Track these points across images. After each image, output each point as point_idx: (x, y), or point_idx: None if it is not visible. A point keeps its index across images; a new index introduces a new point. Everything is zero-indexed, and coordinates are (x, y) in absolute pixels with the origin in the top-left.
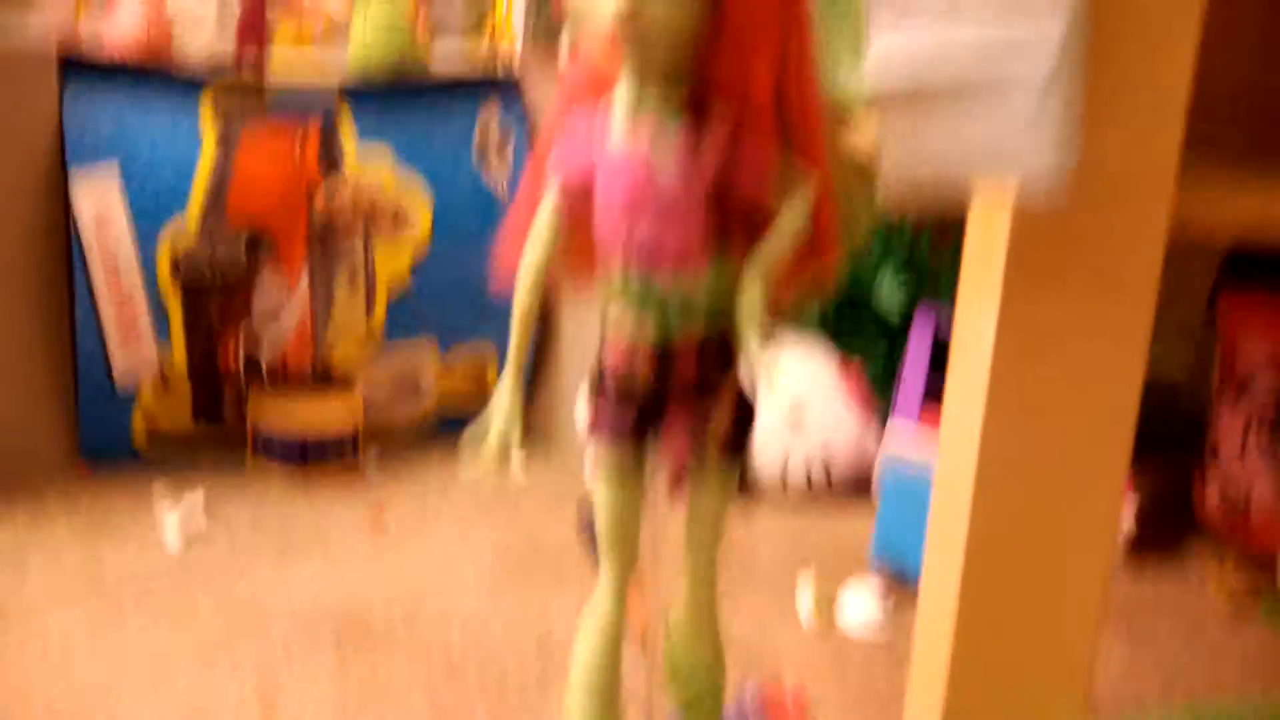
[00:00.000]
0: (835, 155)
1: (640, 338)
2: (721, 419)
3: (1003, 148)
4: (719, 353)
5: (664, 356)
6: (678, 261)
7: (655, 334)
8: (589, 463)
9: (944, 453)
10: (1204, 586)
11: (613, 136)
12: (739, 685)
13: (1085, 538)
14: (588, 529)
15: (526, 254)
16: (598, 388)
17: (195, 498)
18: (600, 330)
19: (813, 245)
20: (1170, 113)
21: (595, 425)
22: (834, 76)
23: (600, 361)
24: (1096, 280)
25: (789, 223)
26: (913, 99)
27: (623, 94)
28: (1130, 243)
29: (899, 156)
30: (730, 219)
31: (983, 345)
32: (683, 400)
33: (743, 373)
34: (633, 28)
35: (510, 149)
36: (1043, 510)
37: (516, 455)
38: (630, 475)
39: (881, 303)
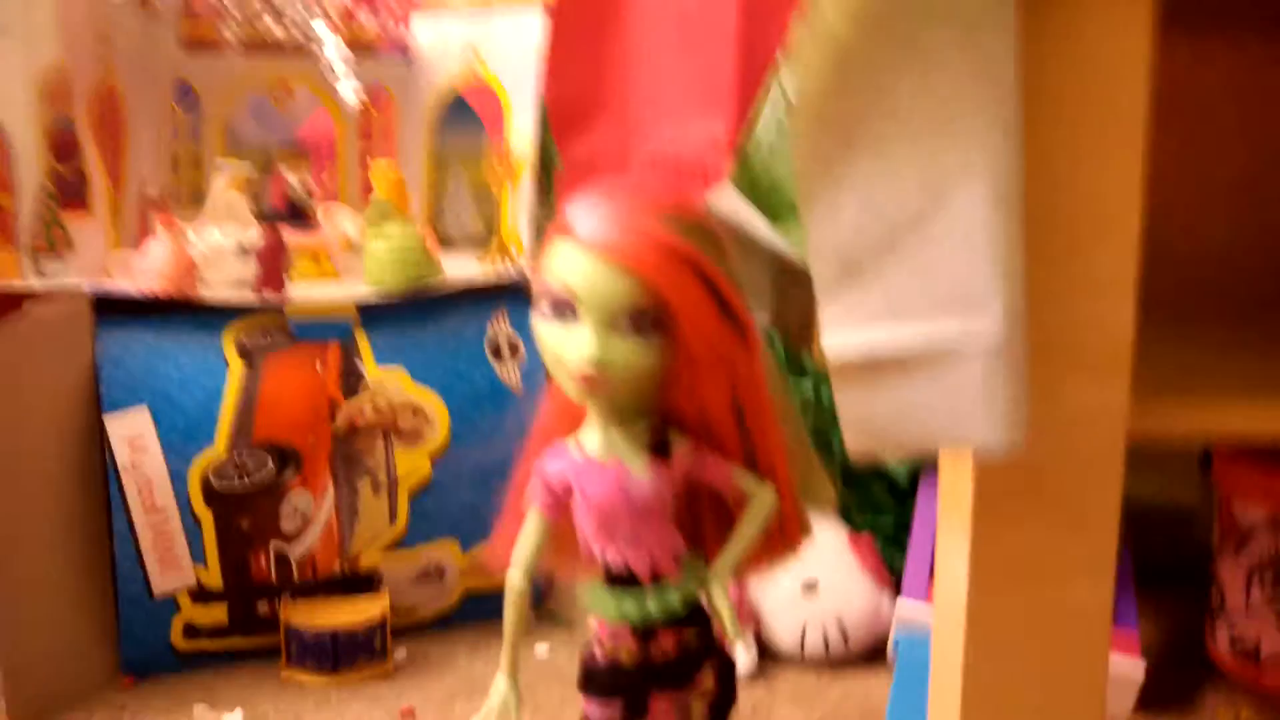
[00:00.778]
0: (791, 444)
1: (622, 620)
2: (703, 702)
3: (953, 420)
4: (697, 634)
5: (645, 635)
6: (655, 556)
7: (637, 617)
8: None
9: (936, 656)
10: None
11: (586, 465)
12: None
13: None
14: None
15: (515, 559)
16: (584, 682)
17: (233, 716)
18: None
19: (780, 534)
20: (1117, 354)
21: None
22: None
23: (585, 658)
24: (1060, 509)
25: (751, 527)
26: (865, 373)
27: (591, 435)
28: (1088, 471)
29: (856, 427)
30: (700, 511)
31: (959, 575)
32: (665, 685)
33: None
34: (599, 378)
35: (522, 352)
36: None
37: None
38: None
39: (886, 468)
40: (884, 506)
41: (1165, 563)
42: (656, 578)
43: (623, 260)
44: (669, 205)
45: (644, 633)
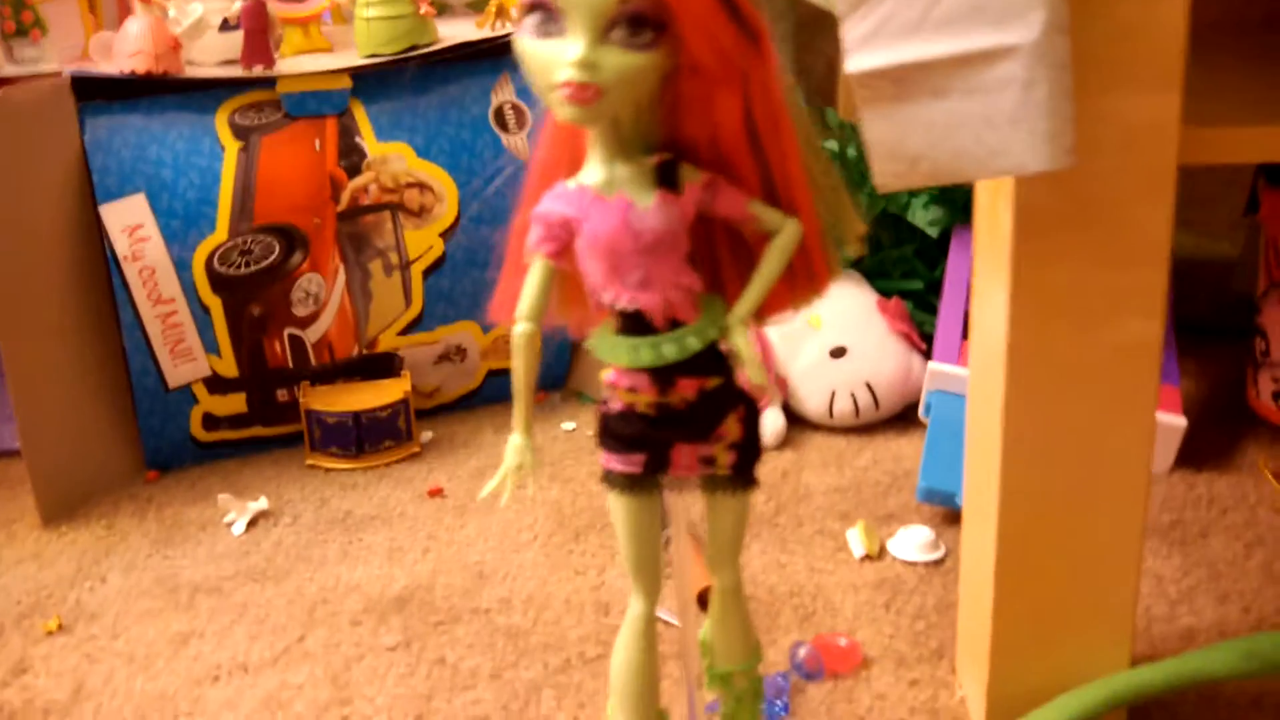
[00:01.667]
0: (818, 176)
1: (638, 366)
2: (729, 453)
3: (992, 141)
4: (719, 382)
5: (663, 383)
6: (668, 297)
7: (653, 361)
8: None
9: (973, 402)
10: (1260, 485)
11: (588, 202)
12: (792, 647)
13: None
14: None
15: (520, 310)
16: (602, 434)
17: (258, 503)
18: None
19: (806, 273)
20: (1169, 63)
21: (605, 474)
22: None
23: (601, 411)
24: (1107, 240)
25: (773, 265)
26: (896, 90)
27: (593, 170)
28: (1138, 197)
29: (886, 155)
30: (718, 251)
31: (998, 317)
32: (687, 435)
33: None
34: (589, 85)
35: (529, 118)
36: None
37: (530, 483)
38: (646, 510)
39: (916, 222)
40: (913, 269)
41: (1205, 318)
42: (672, 321)
43: None
44: None
45: (662, 380)
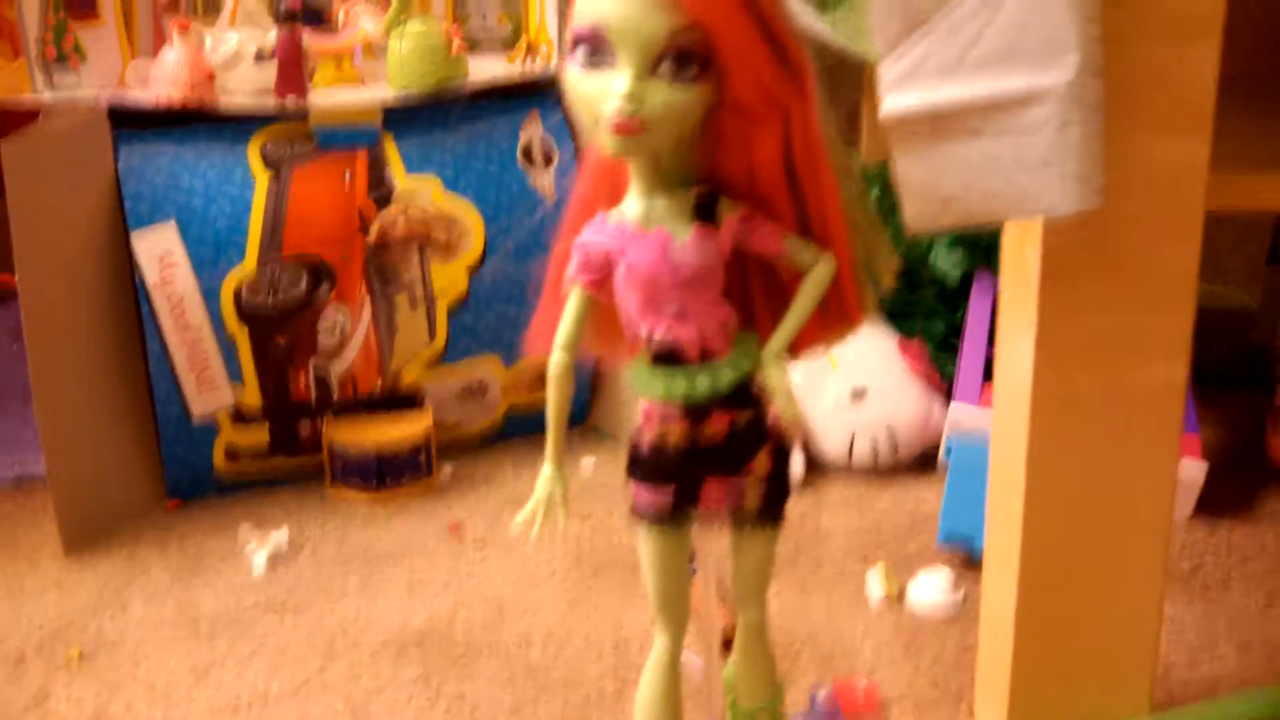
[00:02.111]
0: (852, 213)
1: (670, 399)
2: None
3: (1021, 187)
4: (750, 417)
5: (695, 416)
6: (703, 330)
7: (686, 394)
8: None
9: (996, 445)
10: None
11: (628, 234)
12: (811, 690)
13: (1142, 506)
14: None
15: (557, 341)
16: (632, 466)
17: (280, 535)
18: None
19: (839, 310)
20: (1199, 109)
21: (634, 507)
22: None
23: (632, 442)
24: (1133, 283)
25: (807, 300)
26: (930, 131)
27: (633, 203)
28: (1165, 240)
29: (918, 195)
30: (752, 287)
31: (1023, 359)
32: (718, 469)
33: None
34: (635, 120)
35: (556, 156)
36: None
37: (561, 515)
38: (674, 544)
39: (937, 270)
40: (934, 311)
41: (1224, 368)
42: (706, 355)
43: None
44: None
45: (694, 413)
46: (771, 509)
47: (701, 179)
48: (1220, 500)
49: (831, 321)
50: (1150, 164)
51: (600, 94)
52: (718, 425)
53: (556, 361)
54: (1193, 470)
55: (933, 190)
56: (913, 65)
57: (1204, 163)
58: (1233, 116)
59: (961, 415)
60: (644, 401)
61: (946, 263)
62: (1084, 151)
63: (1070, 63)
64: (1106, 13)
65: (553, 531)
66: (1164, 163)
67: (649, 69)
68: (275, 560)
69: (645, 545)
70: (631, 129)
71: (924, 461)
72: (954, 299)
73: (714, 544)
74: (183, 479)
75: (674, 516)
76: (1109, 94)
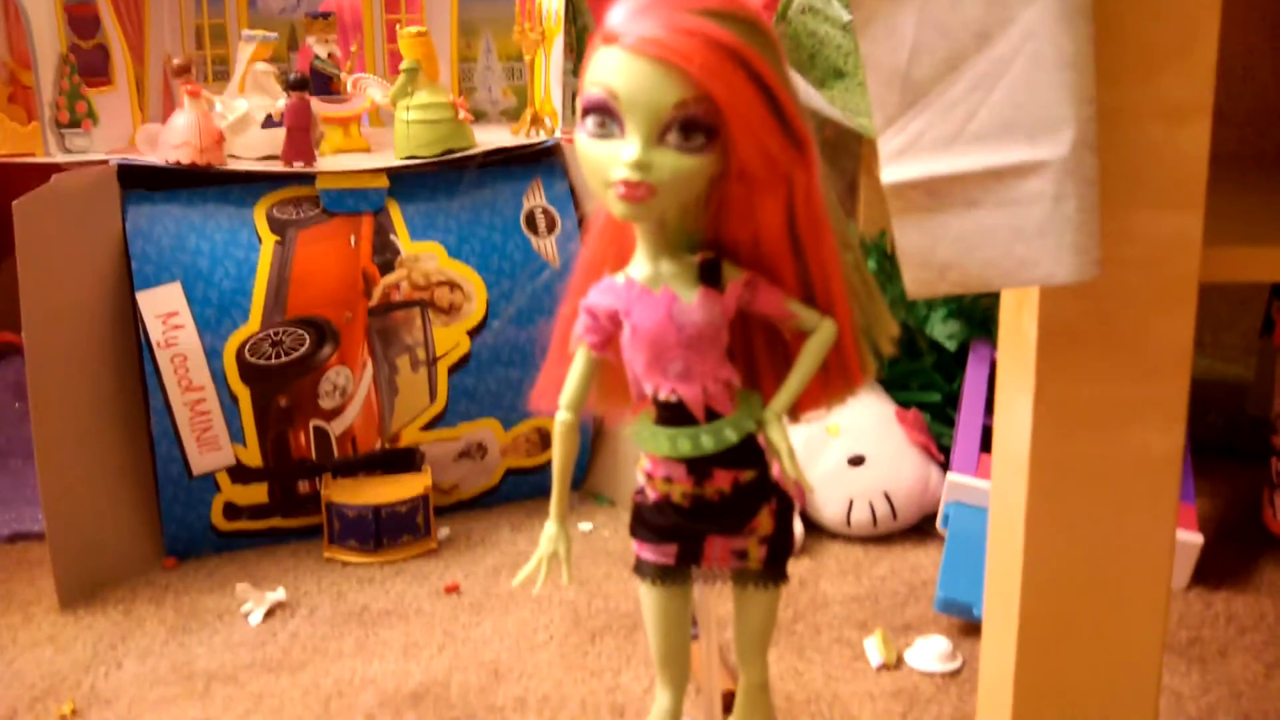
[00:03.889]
0: (853, 278)
1: (675, 456)
2: (760, 547)
3: (1019, 257)
4: (754, 476)
5: (699, 474)
6: (708, 389)
7: (691, 452)
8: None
9: (994, 512)
10: (1279, 605)
11: (635, 295)
12: None
13: (1139, 574)
14: None
15: (563, 399)
16: (636, 524)
17: (277, 594)
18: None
19: (840, 372)
20: (1192, 184)
21: (638, 563)
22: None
23: (636, 500)
24: (1129, 350)
25: (809, 361)
26: (927, 214)
27: (639, 265)
28: (1160, 309)
29: (917, 262)
30: (756, 348)
31: (1021, 425)
32: (721, 527)
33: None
34: (643, 184)
35: (559, 223)
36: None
37: (564, 572)
38: (676, 602)
39: (935, 336)
40: (931, 382)
41: (1220, 440)
42: (710, 413)
43: (667, 55)
44: (718, 1)
45: (698, 471)
46: (774, 568)
47: (706, 243)
48: (1218, 571)
49: (833, 383)
50: (1146, 237)
51: (610, 160)
52: (721, 483)
53: (562, 420)
54: (1189, 541)
55: (931, 258)
56: (911, 139)
57: (1198, 236)
58: (1226, 193)
59: (959, 484)
60: (647, 459)
61: (943, 333)
62: (1080, 224)
63: (1065, 138)
64: (1101, 93)
65: (555, 588)
66: (1159, 236)
67: (657, 137)
68: (272, 619)
69: (647, 602)
70: (639, 195)
71: (921, 528)
72: (950, 369)
73: (715, 605)
74: (180, 536)
75: (676, 574)
76: (1105, 170)
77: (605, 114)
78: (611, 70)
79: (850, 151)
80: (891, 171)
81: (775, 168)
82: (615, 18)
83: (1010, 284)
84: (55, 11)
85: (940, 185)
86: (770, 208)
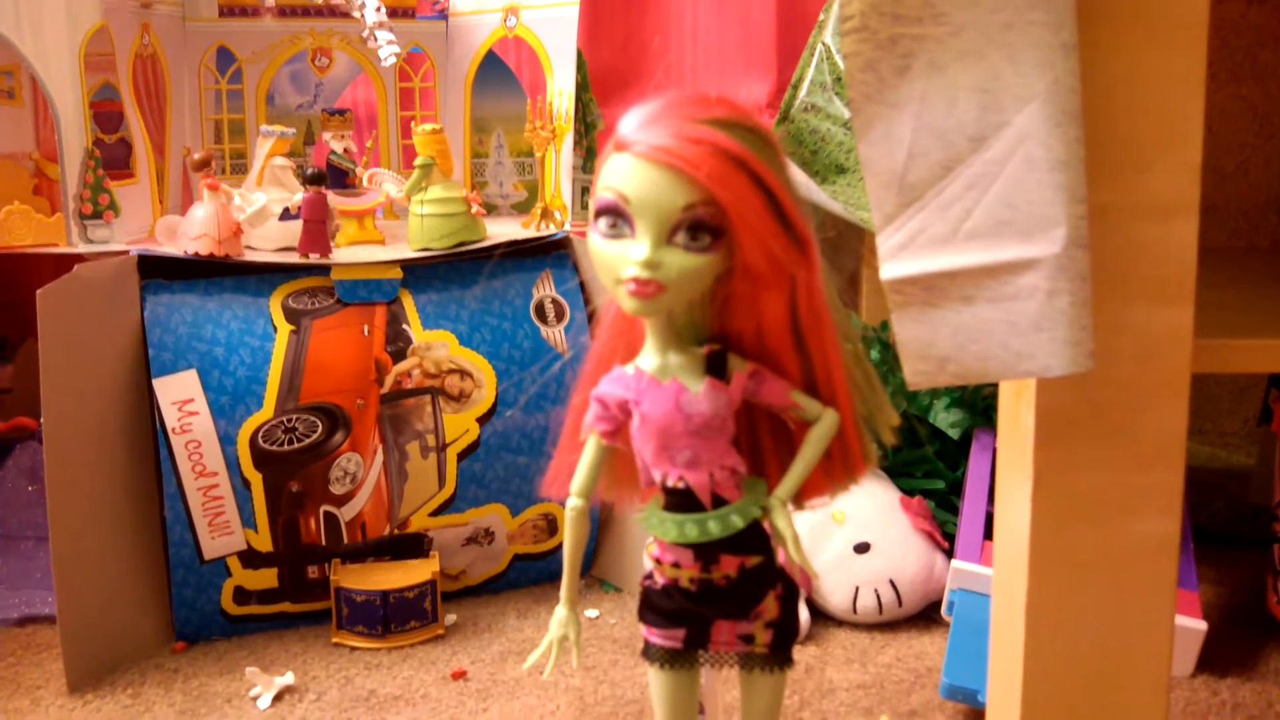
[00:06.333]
0: (854, 370)
1: (683, 542)
2: (767, 631)
3: (1015, 350)
4: (760, 561)
5: (706, 559)
6: (715, 477)
7: (698, 538)
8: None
9: (996, 599)
10: None
11: (644, 385)
12: None
13: (1140, 660)
14: None
15: (574, 486)
16: (644, 607)
17: (285, 679)
18: (640, 560)
19: (843, 461)
20: (1182, 279)
21: (646, 647)
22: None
23: (644, 586)
24: (1125, 441)
25: (813, 450)
26: (925, 308)
27: (648, 358)
28: (1154, 400)
29: (916, 355)
30: (760, 437)
31: (1020, 514)
32: (728, 612)
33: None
34: (653, 282)
35: (568, 313)
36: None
37: (575, 656)
38: (684, 685)
39: (938, 424)
40: (935, 470)
41: (1222, 527)
42: (717, 500)
43: (675, 162)
44: (723, 110)
45: (705, 556)
46: (779, 652)
47: (713, 336)
48: (1223, 658)
49: (836, 471)
50: (1138, 331)
51: (621, 259)
52: (728, 568)
53: (573, 506)
54: (1192, 628)
55: (929, 351)
56: (909, 236)
57: (1189, 330)
58: (1219, 285)
59: (963, 571)
60: (656, 545)
61: (945, 421)
62: (1074, 318)
63: (1057, 236)
64: (1091, 193)
65: (562, 674)
66: (1151, 330)
67: (665, 238)
68: (280, 703)
69: (655, 686)
70: (648, 292)
71: (926, 616)
72: (954, 457)
73: (722, 691)
74: (190, 620)
75: (684, 658)
76: (1097, 266)
77: (617, 216)
78: (623, 175)
79: (851, 249)
80: (890, 268)
81: (778, 266)
82: (626, 126)
83: (1007, 376)
84: (82, 107)
85: (937, 281)
86: (774, 303)
